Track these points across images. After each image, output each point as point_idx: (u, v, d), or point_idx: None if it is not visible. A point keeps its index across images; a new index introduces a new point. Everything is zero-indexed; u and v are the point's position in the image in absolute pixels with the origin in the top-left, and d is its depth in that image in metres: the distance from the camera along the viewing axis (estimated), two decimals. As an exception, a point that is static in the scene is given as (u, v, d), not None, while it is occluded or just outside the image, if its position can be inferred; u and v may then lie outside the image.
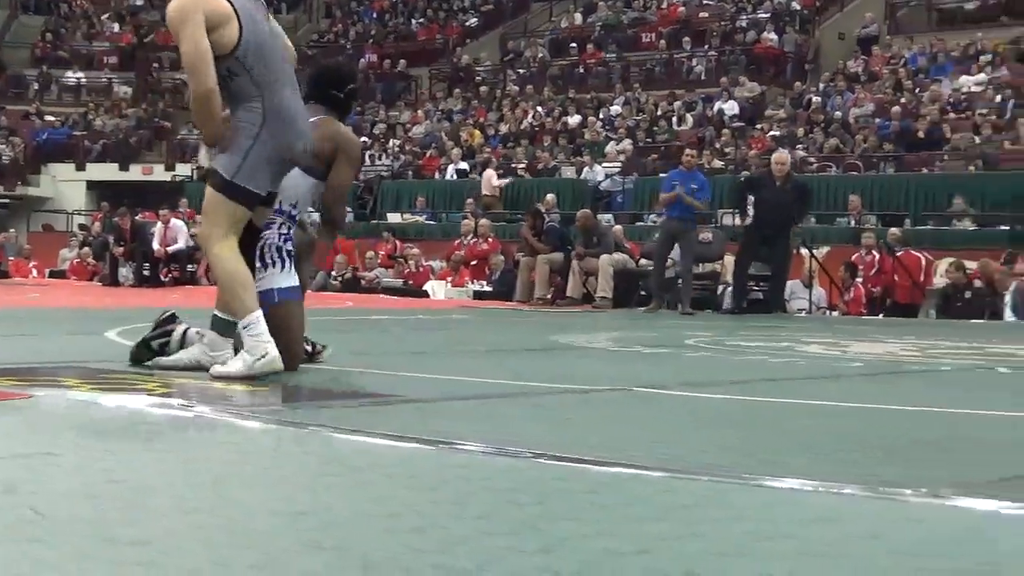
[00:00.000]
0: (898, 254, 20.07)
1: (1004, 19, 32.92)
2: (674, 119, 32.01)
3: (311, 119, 6.66)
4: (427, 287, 23.25)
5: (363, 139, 32.73)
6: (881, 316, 19.10)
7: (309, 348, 7.09)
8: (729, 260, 19.07)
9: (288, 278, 6.77)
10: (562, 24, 40.86)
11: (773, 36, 35.06)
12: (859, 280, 20.02)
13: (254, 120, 6.22)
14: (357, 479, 3.43)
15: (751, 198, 17.91)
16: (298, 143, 6.29)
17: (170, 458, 3.75)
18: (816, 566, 2.49)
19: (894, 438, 4.62)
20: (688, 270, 17.92)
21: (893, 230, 21.19)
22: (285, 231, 6.83)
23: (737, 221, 19.22)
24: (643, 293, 19.89)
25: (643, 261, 20.51)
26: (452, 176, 31.05)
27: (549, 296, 20.37)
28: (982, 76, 29.77)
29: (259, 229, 6.61)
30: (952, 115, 28.21)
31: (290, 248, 6.83)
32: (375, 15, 45.79)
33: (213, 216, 6.30)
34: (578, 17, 40.34)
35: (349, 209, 26.38)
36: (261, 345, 6.08)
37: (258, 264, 6.64)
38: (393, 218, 28.27)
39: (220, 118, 6.26)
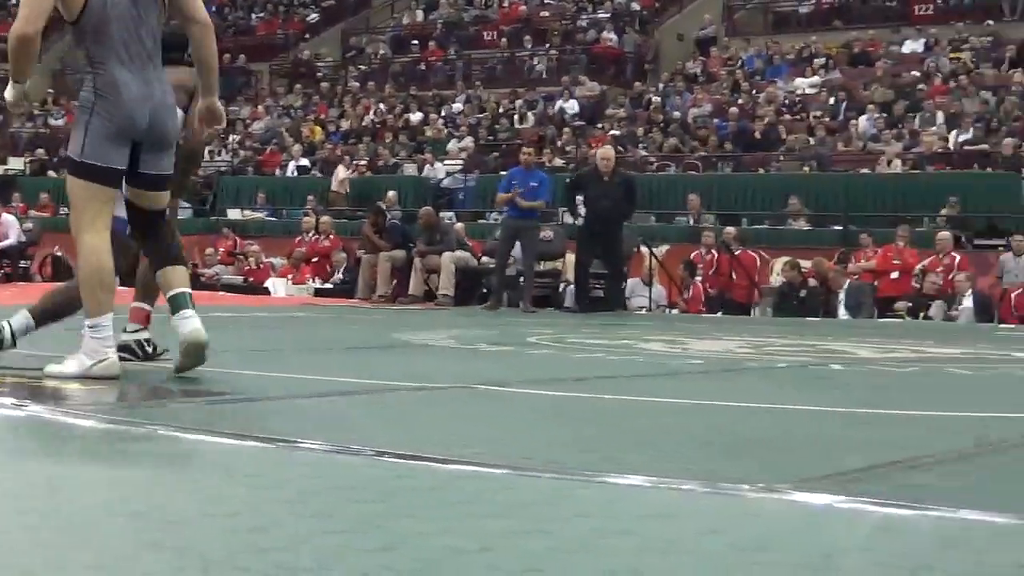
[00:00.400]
0: (736, 253, 20.40)
1: (837, 23, 33.63)
2: (515, 117, 32.14)
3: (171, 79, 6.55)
4: (268, 284, 23.03)
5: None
6: (720, 314, 19.38)
7: (150, 349, 7.00)
8: (571, 258, 19.19)
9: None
10: (404, 21, 40.77)
11: (613, 36, 35.37)
12: (699, 279, 20.28)
13: (88, 97, 6.12)
14: (196, 478, 3.38)
15: (580, 197, 18.05)
16: (140, 122, 6.15)
17: (1, 458, 3.67)
18: (657, 561, 2.51)
19: (732, 435, 4.69)
20: (530, 268, 17.98)
21: (728, 229, 21.50)
22: None
23: (569, 220, 19.32)
24: (485, 291, 19.93)
25: (485, 259, 20.55)
26: (293, 173, 30.81)
27: (391, 294, 20.32)
28: (816, 79, 30.37)
29: (162, 213, 6.47)
30: (787, 116, 28.74)
31: None
32: (214, 9, 45.14)
33: (75, 202, 6.16)
34: (420, 14, 40.29)
35: (188, 205, 26.06)
36: (102, 350, 5.97)
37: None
38: (233, 214, 27.95)
39: (31, 64, 6.19)
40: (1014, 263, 19.49)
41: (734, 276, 20.27)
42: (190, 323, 6.15)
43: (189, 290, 6.31)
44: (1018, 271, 19.36)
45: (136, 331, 7.04)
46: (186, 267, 6.61)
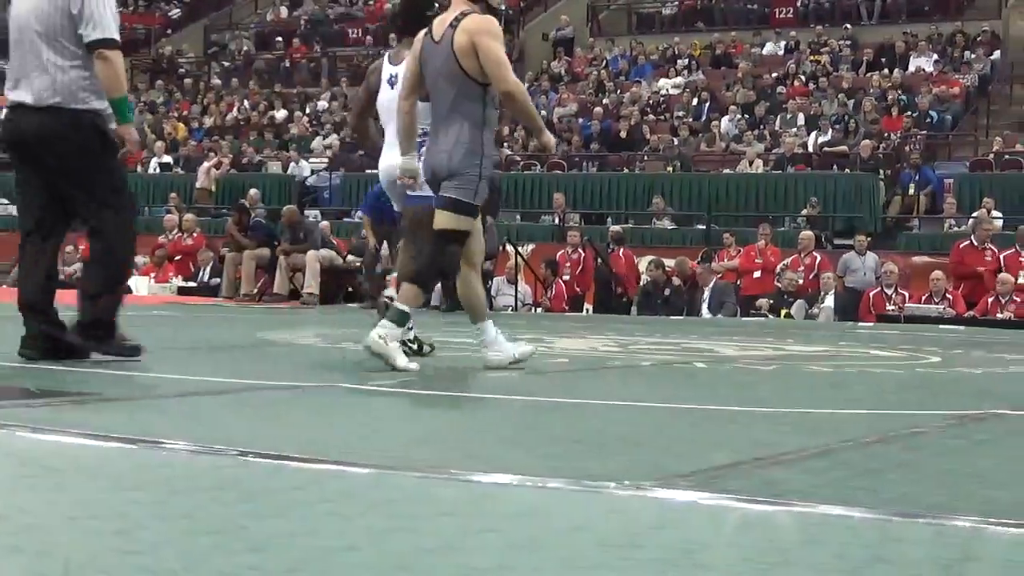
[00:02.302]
0: (610, 252, 20.59)
1: (700, 24, 34.02)
2: (381, 115, 32.05)
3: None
4: (130, 283, 22.67)
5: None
6: (585, 312, 19.49)
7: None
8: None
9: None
10: (268, 17, 40.47)
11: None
12: (566, 278, 20.39)
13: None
14: (57, 480, 3.33)
15: None
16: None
17: None
18: (523, 559, 2.52)
19: (597, 432, 4.71)
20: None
21: (615, 228, 21.71)
22: None
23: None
24: (350, 290, 19.85)
25: (350, 257, 20.46)
26: (155, 170, 30.41)
27: (255, 292, 20.16)
28: (679, 79, 30.69)
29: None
30: (651, 117, 29.00)
31: None
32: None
33: None
34: (284, 11, 40.03)
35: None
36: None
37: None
38: (93, 211, 27.47)
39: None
40: (859, 262, 19.86)
41: (609, 274, 20.45)
42: None
43: None
44: (864, 270, 19.74)
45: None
46: None
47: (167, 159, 30.61)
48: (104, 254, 7.08)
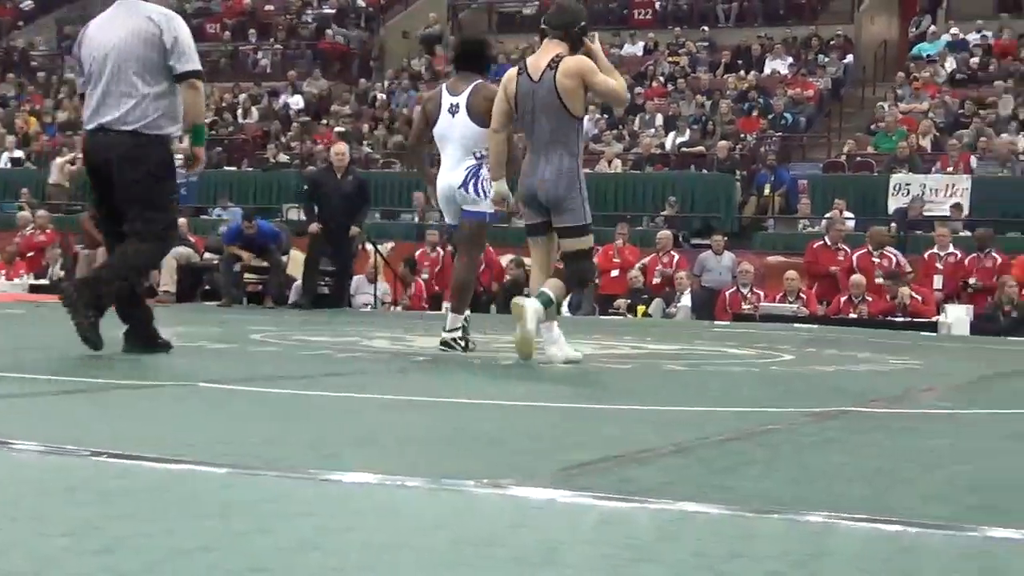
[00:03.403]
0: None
1: (560, 25, 34.13)
2: (239, 112, 31.75)
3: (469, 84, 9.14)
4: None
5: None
6: (445, 311, 19.48)
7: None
8: (296, 255, 18.98)
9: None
10: (124, 12, 39.85)
11: (339, 32, 35.26)
12: (425, 276, 20.37)
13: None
14: (-99, 482, 3.24)
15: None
16: None
17: None
18: (382, 558, 2.50)
19: (455, 431, 4.71)
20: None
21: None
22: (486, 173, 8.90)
23: (303, 217, 19.03)
24: (207, 288, 19.64)
25: (207, 255, 20.24)
26: (7, 165, 29.81)
27: (110, 290, 19.82)
28: (540, 79, 30.75)
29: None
30: (513, 115, 29.04)
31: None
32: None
33: None
34: (141, 5, 39.45)
35: None
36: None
37: (473, 194, 9.02)
38: (-60, 207, 26.94)
39: None
40: (715, 261, 20.12)
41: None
42: None
43: None
44: (720, 269, 20.01)
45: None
46: None
47: (19, 154, 30.01)
48: (124, 255, 7.80)
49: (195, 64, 7.79)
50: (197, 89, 7.80)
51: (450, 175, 9.11)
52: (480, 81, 9.19)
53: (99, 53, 7.77)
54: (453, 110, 9.08)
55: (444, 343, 9.09)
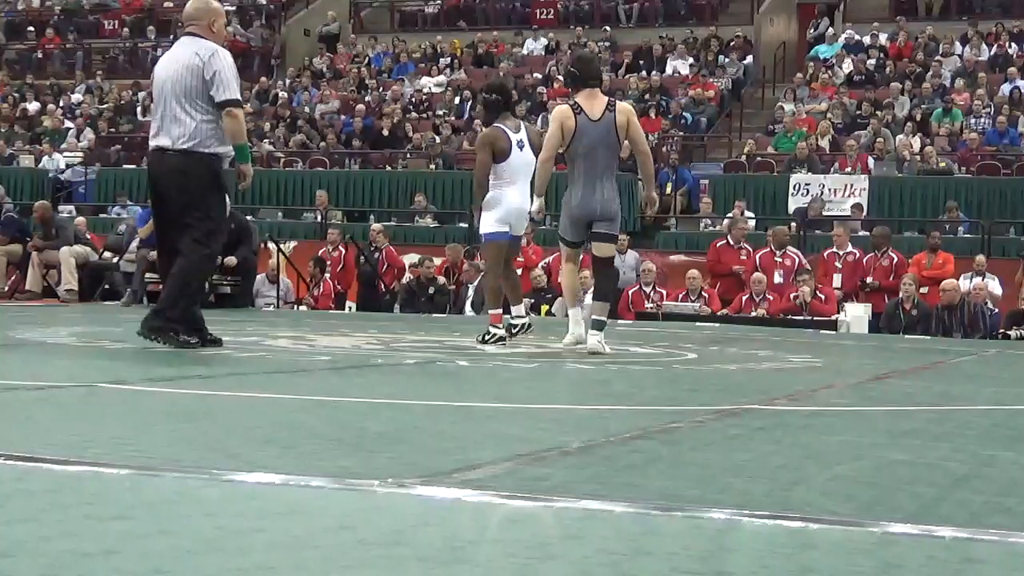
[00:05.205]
0: (373, 251, 20.56)
1: (462, 23, 34.22)
2: (139, 109, 31.42)
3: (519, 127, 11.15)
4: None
5: None
6: (348, 310, 19.43)
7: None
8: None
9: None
10: (19, 6, 39.32)
11: (239, 29, 35.01)
12: (327, 275, 20.28)
13: None
14: None
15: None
16: None
17: None
18: (286, 558, 2.49)
19: (359, 430, 4.69)
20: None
21: (375, 226, 21.65)
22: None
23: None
24: (107, 287, 19.43)
25: (107, 254, 20.03)
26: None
27: (8, 289, 19.61)
28: (442, 78, 30.82)
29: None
30: (414, 114, 29.06)
31: None
32: None
33: None
34: (36, 0, 38.94)
35: None
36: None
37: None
38: None
39: None
40: (618, 260, 20.18)
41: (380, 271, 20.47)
42: None
43: None
44: (624, 268, 20.09)
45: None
46: None
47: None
48: (177, 276, 8.68)
49: (233, 94, 8.72)
50: (235, 116, 8.72)
51: (523, 199, 10.68)
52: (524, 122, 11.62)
53: (159, 83, 8.89)
54: (521, 145, 10.68)
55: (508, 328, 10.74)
